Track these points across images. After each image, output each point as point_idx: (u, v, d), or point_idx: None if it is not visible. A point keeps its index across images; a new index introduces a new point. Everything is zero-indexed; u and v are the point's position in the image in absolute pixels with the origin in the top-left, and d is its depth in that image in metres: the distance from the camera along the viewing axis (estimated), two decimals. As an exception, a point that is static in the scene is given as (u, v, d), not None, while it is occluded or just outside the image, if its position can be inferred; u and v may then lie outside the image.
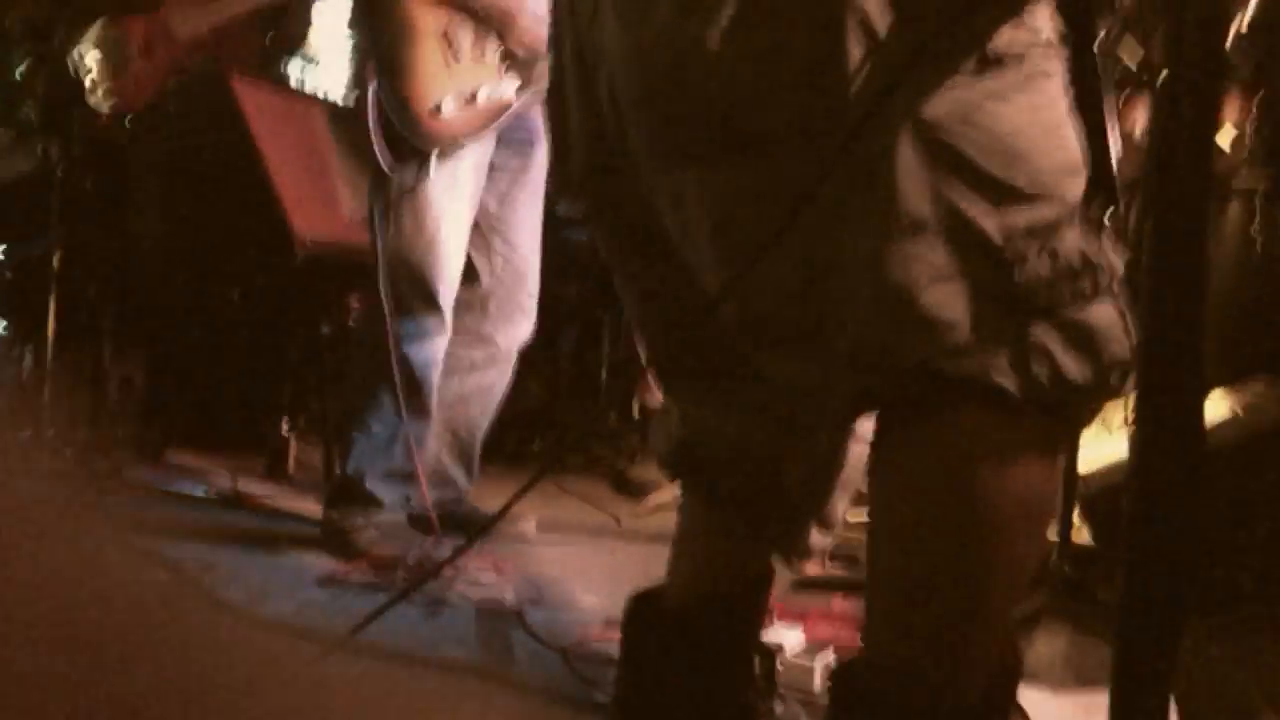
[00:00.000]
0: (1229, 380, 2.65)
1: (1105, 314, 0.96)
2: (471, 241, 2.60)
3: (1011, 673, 1.05)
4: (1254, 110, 3.35)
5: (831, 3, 0.92)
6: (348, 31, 2.78)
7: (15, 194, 2.95)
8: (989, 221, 0.93)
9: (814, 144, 0.94)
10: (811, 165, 0.94)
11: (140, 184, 3.27)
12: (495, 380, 2.71)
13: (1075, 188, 0.97)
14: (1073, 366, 0.94)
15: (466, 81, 2.36)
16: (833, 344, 0.96)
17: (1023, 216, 0.94)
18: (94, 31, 2.85)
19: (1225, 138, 3.22)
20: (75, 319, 2.98)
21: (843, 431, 1.18)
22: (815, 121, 0.94)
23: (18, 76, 2.55)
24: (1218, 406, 2.55)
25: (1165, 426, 0.78)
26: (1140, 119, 3.39)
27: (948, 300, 0.93)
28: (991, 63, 0.94)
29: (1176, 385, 0.79)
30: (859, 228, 0.94)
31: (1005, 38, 0.95)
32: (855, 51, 0.93)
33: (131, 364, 3.28)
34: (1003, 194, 0.94)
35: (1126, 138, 3.33)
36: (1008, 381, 0.93)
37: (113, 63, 2.84)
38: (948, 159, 0.93)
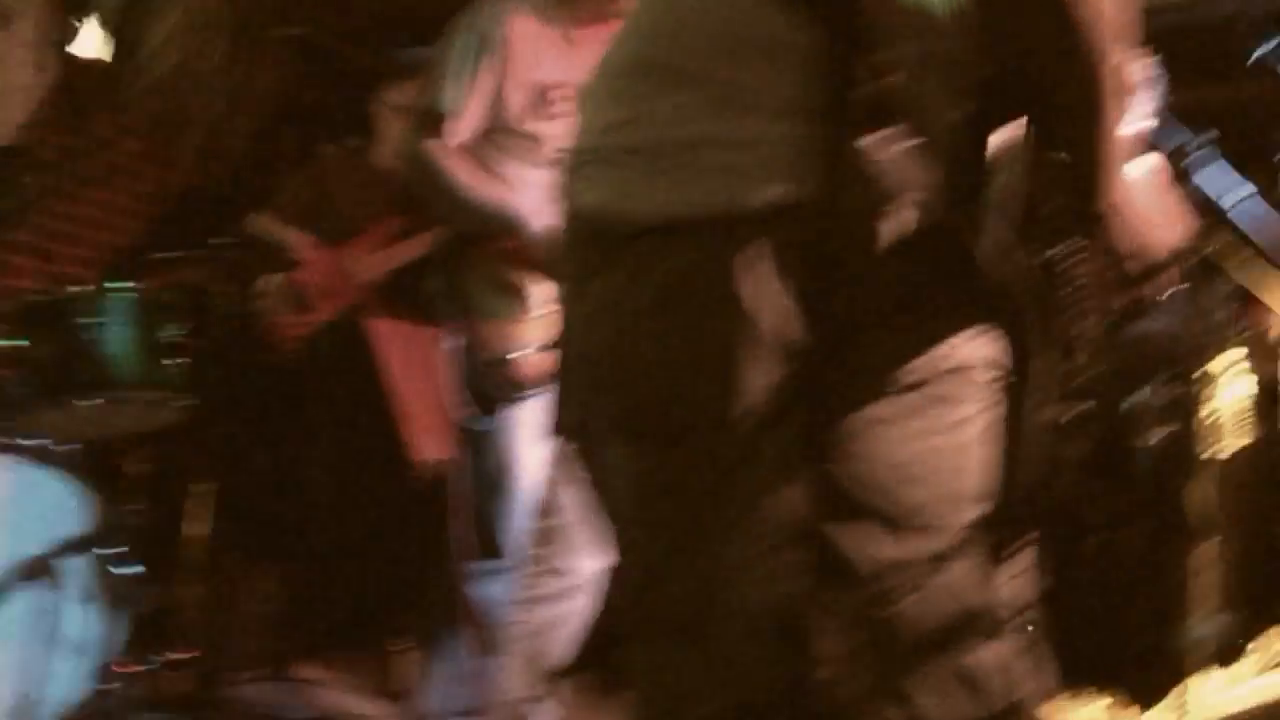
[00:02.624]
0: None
1: (992, 657, 0.92)
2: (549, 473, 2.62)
3: None
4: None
5: (733, 311, 0.91)
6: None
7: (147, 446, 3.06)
8: (864, 554, 0.91)
9: (712, 447, 0.94)
10: (708, 468, 0.94)
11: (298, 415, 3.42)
12: (575, 610, 2.64)
13: (964, 519, 0.94)
14: (954, 713, 0.90)
15: (536, 331, 2.43)
16: (705, 650, 0.94)
17: (900, 549, 0.91)
18: (275, 284, 3.12)
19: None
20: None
21: None
22: (713, 426, 0.93)
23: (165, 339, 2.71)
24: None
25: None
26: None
27: (820, 630, 0.91)
28: (886, 389, 0.92)
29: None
30: (738, 537, 0.93)
31: (905, 364, 0.93)
32: (754, 366, 0.92)
33: (267, 580, 3.41)
34: (881, 525, 0.91)
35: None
36: None
37: (292, 310, 3.10)
38: (826, 485, 0.91)
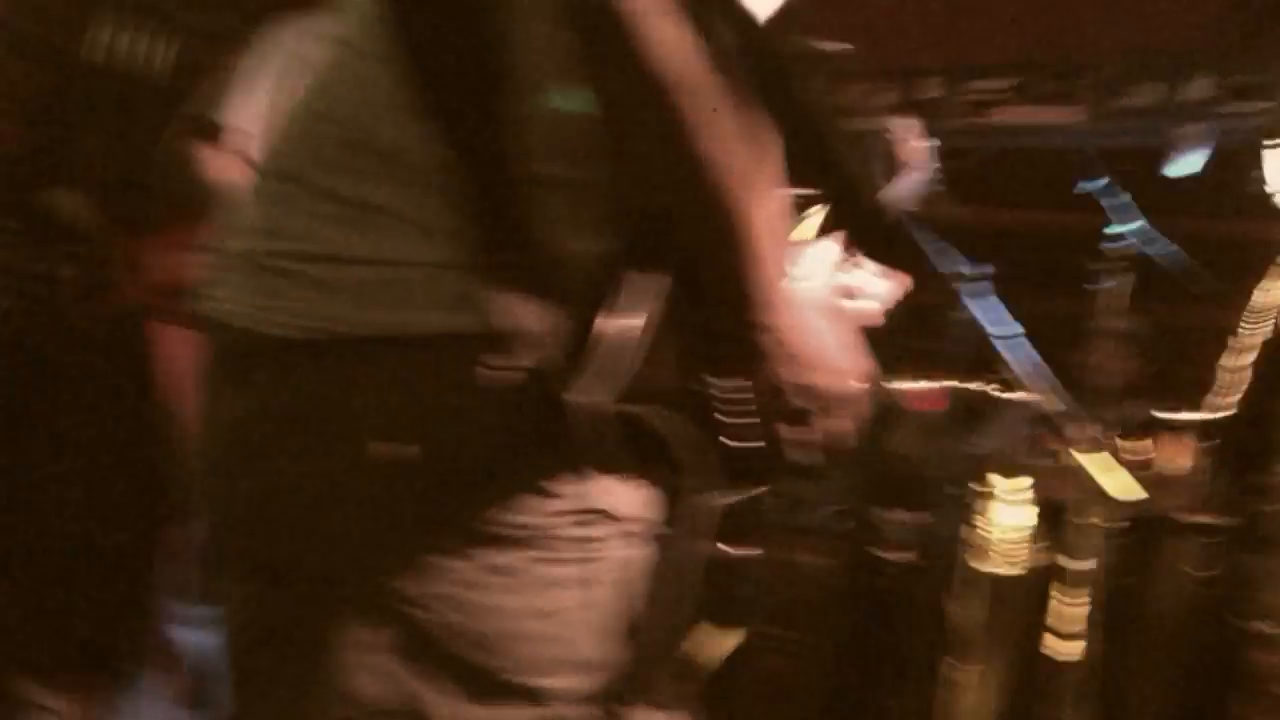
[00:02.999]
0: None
1: None
2: None
3: None
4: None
5: (347, 444, 0.85)
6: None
7: None
8: (444, 715, 0.84)
9: (308, 594, 0.88)
10: (296, 616, 0.89)
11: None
12: None
13: (570, 684, 0.89)
14: None
15: None
16: None
17: (487, 713, 0.85)
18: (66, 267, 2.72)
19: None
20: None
21: None
22: (312, 573, 0.88)
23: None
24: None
25: None
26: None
27: None
28: (497, 535, 0.86)
29: None
30: (312, 701, 0.87)
31: (522, 511, 0.87)
32: (361, 502, 0.86)
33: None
34: (469, 684, 0.85)
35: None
36: None
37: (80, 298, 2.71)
38: (417, 636, 0.85)
